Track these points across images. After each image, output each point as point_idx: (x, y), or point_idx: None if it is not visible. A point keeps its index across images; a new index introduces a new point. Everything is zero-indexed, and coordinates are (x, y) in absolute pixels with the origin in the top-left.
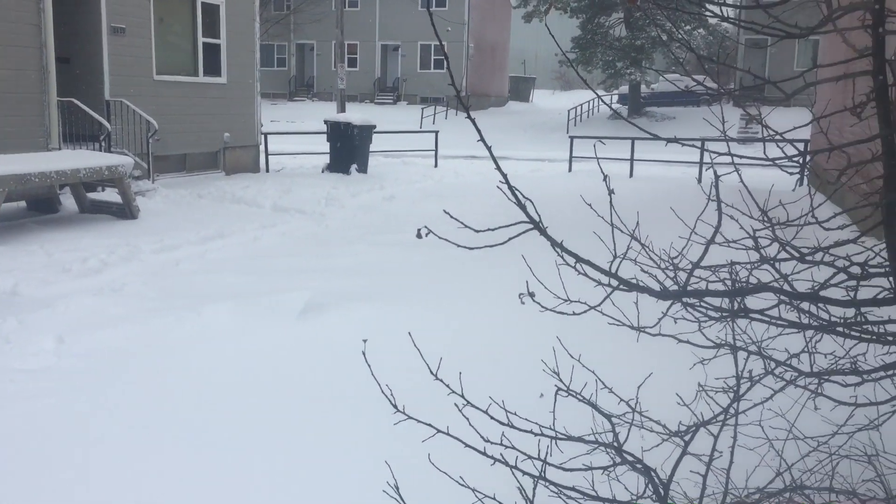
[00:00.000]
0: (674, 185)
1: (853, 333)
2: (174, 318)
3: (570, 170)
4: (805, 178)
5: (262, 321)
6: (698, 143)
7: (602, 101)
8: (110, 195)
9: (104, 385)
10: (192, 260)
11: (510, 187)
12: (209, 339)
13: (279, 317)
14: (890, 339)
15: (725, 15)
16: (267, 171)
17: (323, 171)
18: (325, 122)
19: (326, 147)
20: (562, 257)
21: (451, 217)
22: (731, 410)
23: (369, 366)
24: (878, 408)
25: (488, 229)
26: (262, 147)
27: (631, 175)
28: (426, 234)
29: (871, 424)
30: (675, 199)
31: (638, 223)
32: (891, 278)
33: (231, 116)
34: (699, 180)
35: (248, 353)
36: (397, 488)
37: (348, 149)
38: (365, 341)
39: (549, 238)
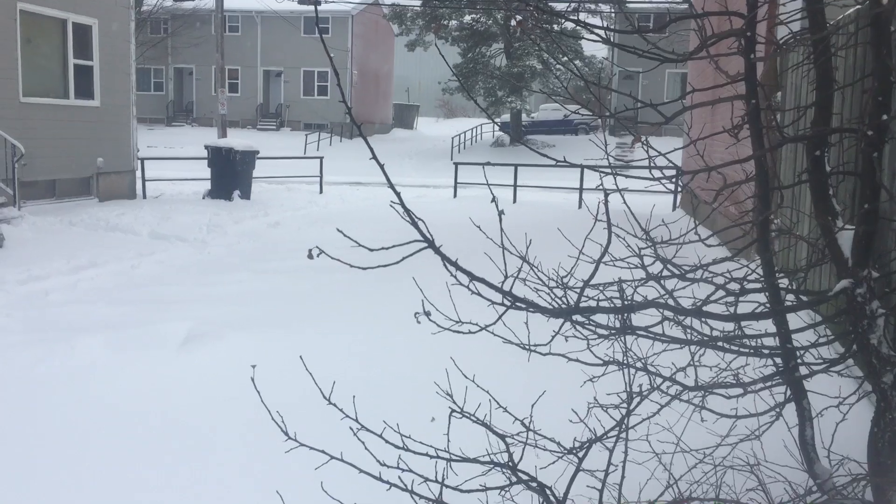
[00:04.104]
0: (557, 210)
1: (733, 347)
2: (42, 351)
3: (455, 195)
4: (676, 203)
5: (140, 353)
6: (586, 165)
7: (494, 122)
8: None
9: None
10: (62, 290)
11: (403, 206)
12: (81, 374)
13: (159, 348)
14: (766, 352)
15: (606, 37)
16: (144, 197)
17: (204, 198)
18: (206, 147)
19: (207, 173)
20: (455, 277)
21: (345, 236)
22: (622, 426)
23: (258, 391)
24: (759, 419)
25: (382, 248)
26: (138, 173)
27: (514, 201)
28: (317, 255)
29: (753, 435)
30: (560, 223)
31: (529, 244)
32: (766, 293)
33: (105, 141)
34: (580, 205)
35: (125, 387)
36: None
37: (230, 175)
38: (254, 367)
39: (442, 256)
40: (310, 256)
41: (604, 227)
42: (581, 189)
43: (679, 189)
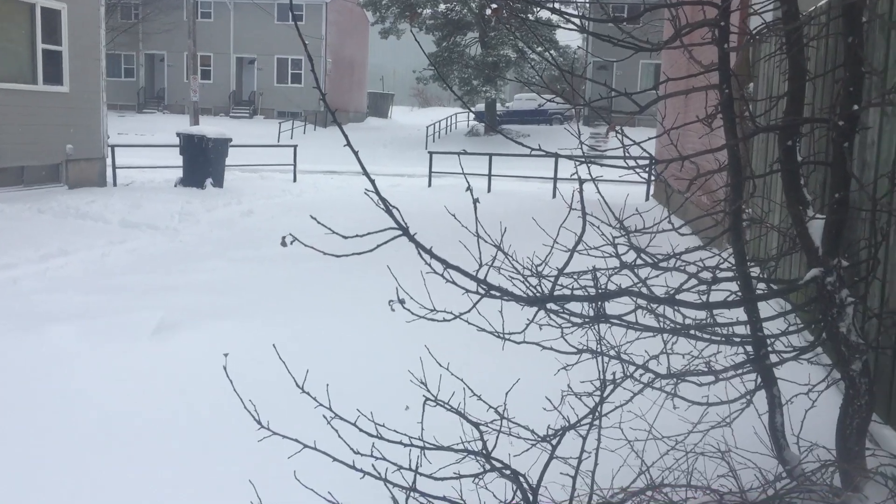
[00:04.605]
0: (531, 199)
1: (705, 335)
2: (12, 340)
3: (429, 185)
4: (650, 194)
5: (111, 342)
6: (560, 154)
7: (470, 110)
8: None
9: None
10: (31, 278)
11: (378, 194)
12: (53, 362)
13: (130, 337)
14: (738, 340)
15: (581, 25)
16: (115, 184)
17: (176, 186)
18: (178, 134)
19: (179, 161)
20: (429, 265)
21: (319, 223)
22: (596, 413)
23: (230, 380)
24: (730, 406)
25: (356, 235)
26: (109, 160)
27: (489, 190)
28: (291, 243)
29: (724, 422)
30: (534, 212)
31: (504, 233)
32: (738, 282)
33: (74, 127)
34: (554, 195)
35: (96, 376)
36: None
37: (203, 162)
38: (226, 355)
39: (416, 244)
40: (283, 244)
41: (578, 216)
42: (556, 178)
43: (652, 178)
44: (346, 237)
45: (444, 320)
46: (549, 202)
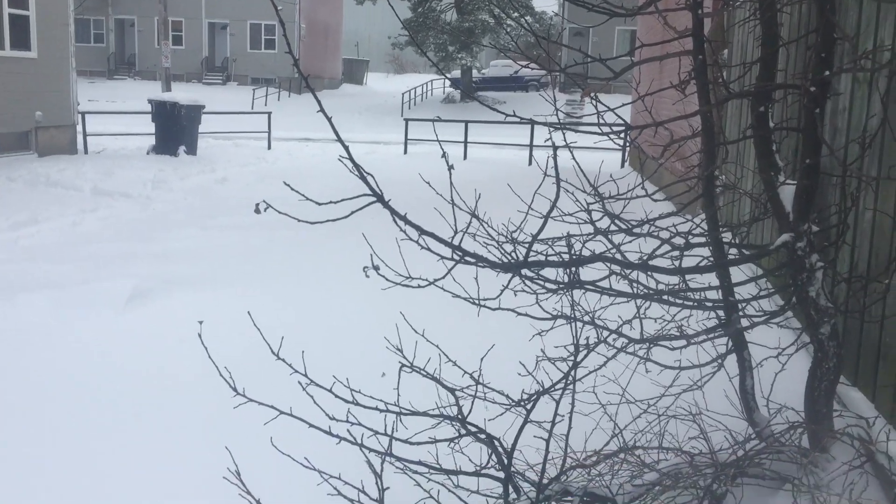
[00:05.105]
0: (507, 166)
1: (678, 301)
2: None
3: (405, 152)
4: (624, 160)
5: (84, 312)
6: (535, 120)
7: (445, 76)
8: None
9: None
10: (1, 248)
11: (352, 160)
12: (24, 332)
13: (104, 306)
14: (709, 305)
15: None
16: (86, 152)
17: (148, 153)
18: (150, 101)
19: (151, 128)
20: (404, 232)
21: (293, 190)
22: (570, 378)
23: (205, 347)
24: (701, 370)
25: (330, 202)
26: (79, 127)
27: (465, 157)
28: (265, 210)
29: (695, 385)
30: (510, 179)
31: (478, 198)
32: (710, 248)
33: (43, 94)
34: (530, 162)
35: (69, 346)
36: (238, 474)
37: (175, 130)
38: (201, 323)
39: (391, 210)
40: (257, 211)
41: (553, 183)
42: (531, 146)
43: (627, 144)
44: (319, 203)
45: (419, 287)
46: (525, 169)
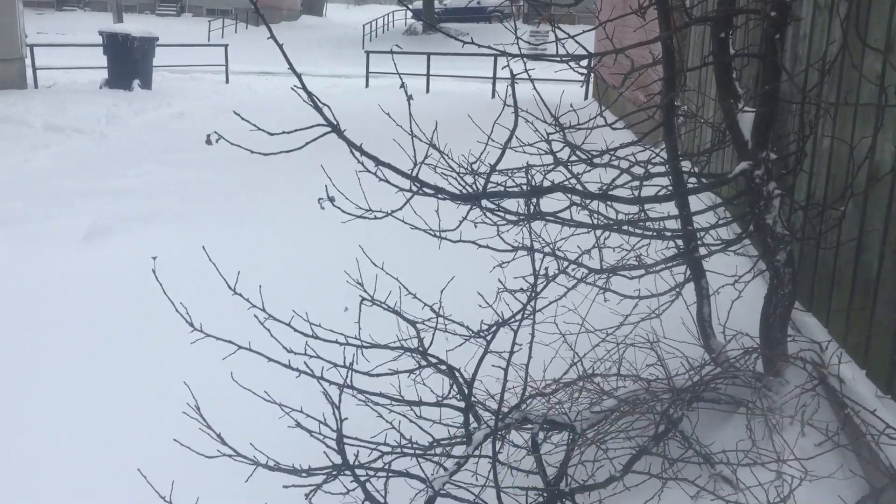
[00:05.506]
0: (470, 99)
1: (637, 230)
2: None
3: (367, 85)
4: (588, 92)
5: (39, 249)
6: (496, 51)
7: (407, 7)
8: None
9: None
10: None
11: (305, 90)
12: None
13: (59, 244)
14: (668, 234)
15: None
16: (36, 86)
17: (101, 87)
18: (101, 33)
19: (104, 61)
20: (361, 163)
21: (244, 119)
22: (529, 308)
23: (160, 283)
24: (659, 298)
25: (283, 132)
26: (28, 60)
27: (427, 90)
28: (216, 141)
29: (653, 314)
30: (472, 112)
31: (435, 128)
32: (669, 177)
33: None
34: (493, 95)
35: (25, 283)
36: (198, 408)
37: (129, 63)
38: (154, 258)
39: (347, 141)
40: (208, 142)
41: (513, 113)
42: (494, 78)
43: (589, 71)
44: (272, 134)
45: (377, 218)
46: (488, 102)
